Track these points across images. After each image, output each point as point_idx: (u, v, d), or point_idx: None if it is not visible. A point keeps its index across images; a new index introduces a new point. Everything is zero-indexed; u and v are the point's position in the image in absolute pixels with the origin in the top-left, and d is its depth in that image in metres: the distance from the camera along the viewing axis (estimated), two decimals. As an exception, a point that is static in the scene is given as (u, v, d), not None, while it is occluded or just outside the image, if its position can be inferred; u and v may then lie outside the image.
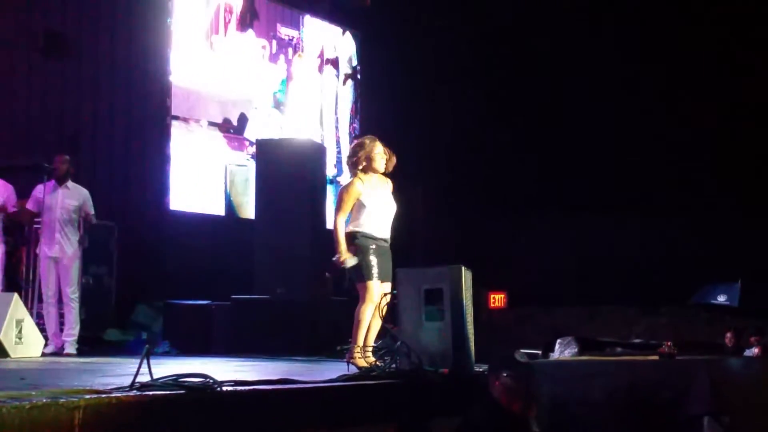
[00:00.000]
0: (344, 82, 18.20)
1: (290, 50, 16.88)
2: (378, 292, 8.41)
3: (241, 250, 13.10)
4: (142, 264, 13.56)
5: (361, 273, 8.46)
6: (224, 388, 5.52)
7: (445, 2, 17.52)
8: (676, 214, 16.24)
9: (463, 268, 7.92)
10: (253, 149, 14.32)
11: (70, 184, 11.28)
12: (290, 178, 12.16)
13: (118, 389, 5.23)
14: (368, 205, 8.55)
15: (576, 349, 8.31)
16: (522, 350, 7.82)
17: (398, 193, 8.79)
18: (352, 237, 8.56)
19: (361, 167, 8.61)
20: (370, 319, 8.45)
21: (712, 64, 16.64)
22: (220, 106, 15.34)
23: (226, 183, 15.15)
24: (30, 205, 11.23)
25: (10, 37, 14.88)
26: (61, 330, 11.12)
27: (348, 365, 8.22)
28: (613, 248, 16.61)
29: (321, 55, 17.68)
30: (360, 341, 8.40)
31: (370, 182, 8.59)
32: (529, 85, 17.25)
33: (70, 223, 11.16)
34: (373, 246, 8.47)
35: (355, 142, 9.03)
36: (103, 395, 4.98)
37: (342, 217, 8.54)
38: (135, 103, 14.46)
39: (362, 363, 8.25)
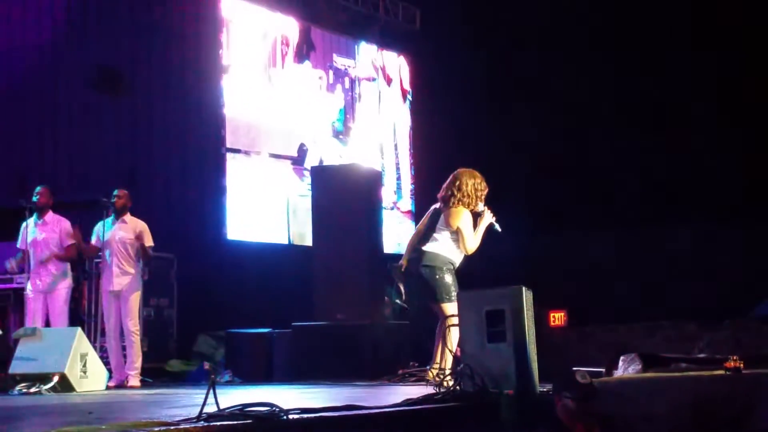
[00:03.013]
0: (400, 107, 18.27)
1: (347, 79, 17.00)
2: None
3: (300, 277, 13.14)
4: (201, 294, 13.65)
5: (441, 294, 8.72)
6: (291, 416, 5.55)
7: (495, 22, 17.51)
8: (735, 226, 16.05)
9: (523, 288, 7.92)
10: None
11: (127, 218, 11.41)
12: (346, 204, 12.17)
13: (185, 420, 5.27)
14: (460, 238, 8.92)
15: (640, 366, 8.22)
16: (584, 369, 7.79)
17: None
18: (435, 258, 8.80)
19: (466, 201, 8.91)
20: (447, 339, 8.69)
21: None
22: (280, 138, 15.46)
23: (288, 213, 15.26)
24: (96, 243, 11.39)
25: (64, 72, 15.13)
26: (124, 363, 11.22)
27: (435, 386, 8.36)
28: (672, 262, 16.45)
29: (377, 82, 17.77)
30: (439, 360, 8.63)
31: None
32: (581, 103, 17.17)
33: (127, 257, 11.27)
34: (452, 271, 8.73)
35: (464, 175, 9.24)
36: (172, 427, 5.02)
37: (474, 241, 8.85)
38: (190, 136, 14.58)
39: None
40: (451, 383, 7.96)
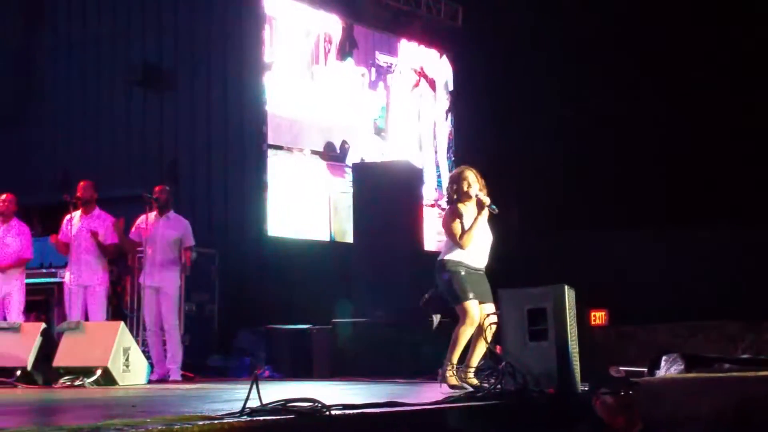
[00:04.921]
0: (441, 105, 18.24)
1: (389, 77, 17.01)
2: (476, 312, 8.51)
3: (341, 273, 13.16)
4: (242, 290, 13.69)
5: (456, 295, 8.59)
6: (333, 412, 5.55)
7: (537, 20, 17.47)
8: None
9: (566, 286, 7.88)
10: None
11: (171, 214, 11.46)
12: (387, 201, 12.15)
13: (229, 414, 5.29)
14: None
15: (682, 366, 8.19)
16: (624, 368, 7.77)
17: (494, 215, 8.84)
18: (443, 264, 8.70)
19: (456, 198, 8.79)
20: (469, 339, 8.58)
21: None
22: (322, 135, 15.49)
23: (329, 210, 15.29)
24: (133, 236, 11.44)
25: (109, 69, 15.24)
26: (165, 357, 11.29)
27: (440, 384, 8.31)
28: (714, 262, 16.34)
29: (418, 80, 17.76)
30: (454, 360, 8.52)
31: (467, 211, 8.73)
32: (621, 103, 17.10)
33: (171, 253, 11.33)
34: (463, 271, 8.60)
35: (449, 176, 9.24)
36: (216, 421, 5.04)
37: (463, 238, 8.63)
38: (232, 132, 14.63)
39: (453, 381, 8.38)
40: (484, 383, 7.95)
